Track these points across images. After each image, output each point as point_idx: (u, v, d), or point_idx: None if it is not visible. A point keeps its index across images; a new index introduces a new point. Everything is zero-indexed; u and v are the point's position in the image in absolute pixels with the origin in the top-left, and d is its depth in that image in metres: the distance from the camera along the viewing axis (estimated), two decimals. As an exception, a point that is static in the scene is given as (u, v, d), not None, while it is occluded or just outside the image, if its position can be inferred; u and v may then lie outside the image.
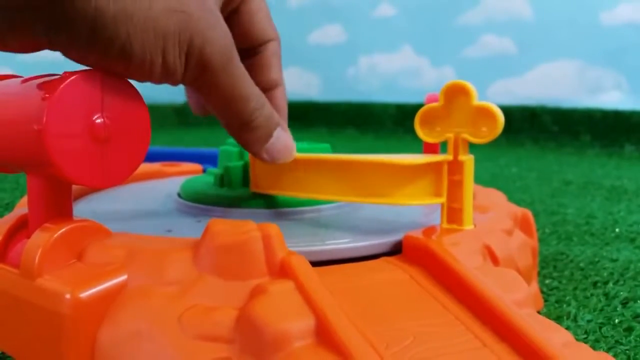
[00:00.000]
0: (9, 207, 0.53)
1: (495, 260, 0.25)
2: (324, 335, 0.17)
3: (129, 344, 0.19)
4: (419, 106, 0.27)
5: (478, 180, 0.33)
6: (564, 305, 0.31)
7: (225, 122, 0.25)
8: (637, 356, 0.25)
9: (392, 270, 0.23)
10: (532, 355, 0.17)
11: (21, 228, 0.23)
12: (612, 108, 1.22)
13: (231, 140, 0.34)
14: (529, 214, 0.33)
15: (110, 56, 0.20)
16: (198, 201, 0.31)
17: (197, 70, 0.22)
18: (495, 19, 1.48)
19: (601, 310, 0.30)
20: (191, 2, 0.21)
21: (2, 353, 0.22)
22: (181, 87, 0.26)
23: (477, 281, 0.20)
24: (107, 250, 0.21)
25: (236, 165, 0.32)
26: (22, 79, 0.22)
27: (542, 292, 0.33)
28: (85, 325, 0.19)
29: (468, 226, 0.26)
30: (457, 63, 1.54)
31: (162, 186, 0.39)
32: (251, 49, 0.28)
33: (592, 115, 1.24)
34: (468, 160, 0.25)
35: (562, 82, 1.38)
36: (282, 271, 0.20)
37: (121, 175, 0.21)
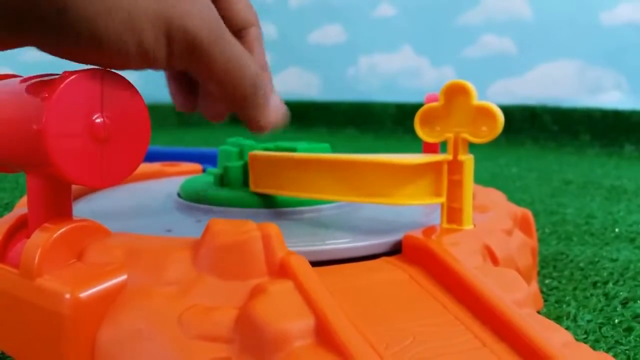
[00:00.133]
0: (8, 207, 0.53)
1: (495, 260, 0.25)
2: (323, 335, 0.17)
3: (128, 343, 0.19)
4: (418, 106, 0.27)
5: (478, 180, 0.33)
6: (564, 305, 0.31)
7: (226, 99, 0.24)
8: (637, 356, 0.25)
9: (391, 270, 0.23)
10: (532, 355, 0.17)
11: (21, 228, 0.23)
12: (611, 108, 1.22)
13: (231, 140, 0.35)
14: (529, 213, 0.33)
15: (80, 43, 0.19)
16: (198, 201, 0.31)
17: (185, 51, 0.21)
18: (495, 19, 1.48)
19: (601, 310, 0.30)
20: None
21: (2, 353, 0.22)
22: None
23: (477, 281, 0.20)
24: (106, 250, 0.21)
25: (236, 165, 0.32)
26: (22, 78, 0.22)
27: (541, 292, 0.33)
28: (85, 325, 0.19)
29: (468, 226, 0.26)
30: (457, 63, 1.54)
31: (162, 186, 0.39)
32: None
33: (592, 115, 1.24)
34: (468, 160, 0.25)
35: (562, 82, 1.38)
36: (281, 271, 0.20)
37: (121, 175, 0.21)
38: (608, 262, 0.38)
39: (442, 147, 0.29)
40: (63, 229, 0.21)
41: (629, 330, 0.28)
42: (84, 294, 0.19)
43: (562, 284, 0.35)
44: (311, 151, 0.31)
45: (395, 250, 0.25)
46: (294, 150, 0.31)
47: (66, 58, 0.20)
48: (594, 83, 1.35)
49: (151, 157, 0.42)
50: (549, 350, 0.17)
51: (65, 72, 0.20)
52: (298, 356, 0.17)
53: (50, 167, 0.19)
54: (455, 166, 0.25)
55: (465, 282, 0.21)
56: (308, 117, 1.65)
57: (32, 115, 0.19)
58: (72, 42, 0.19)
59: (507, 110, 0.26)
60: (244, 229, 0.21)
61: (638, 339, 0.27)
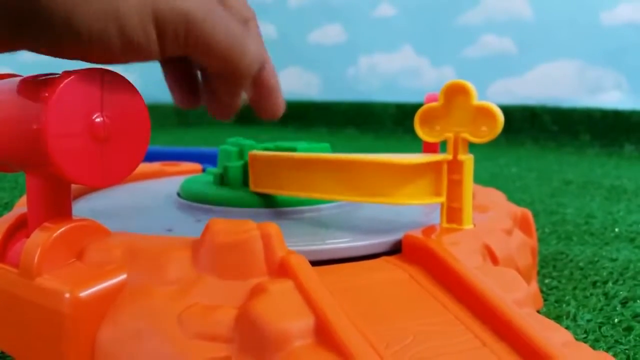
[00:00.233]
0: (8, 206, 0.53)
1: (494, 259, 0.25)
2: (323, 334, 0.17)
3: (128, 343, 0.19)
4: (418, 106, 0.27)
5: (477, 180, 0.33)
6: (564, 305, 0.31)
7: (230, 80, 0.23)
8: (637, 355, 0.25)
9: (391, 270, 0.23)
10: (532, 354, 0.17)
11: (20, 227, 0.23)
12: (611, 108, 1.23)
13: (231, 139, 0.34)
14: (529, 213, 0.33)
15: (59, 35, 0.18)
16: (198, 200, 0.31)
17: (179, 33, 0.20)
18: (495, 19, 1.48)
19: (601, 309, 0.30)
20: None
21: (2, 353, 0.22)
22: None
23: (476, 280, 0.20)
24: (106, 249, 0.21)
25: (235, 164, 0.32)
26: (22, 78, 0.22)
27: (541, 291, 0.33)
28: (85, 324, 0.19)
29: (468, 226, 0.26)
30: (457, 63, 1.54)
31: (162, 186, 0.39)
32: None
33: (591, 115, 1.24)
34: (467, 159, 0.25)
35: (562, 82, 1.38)
36: (281, 270, 0.20)
37: (120, 175, 0.21)
38: (608, 262, 0.38)
39: (442, 147, 0.29)
40: (63, 229, 0.21)
41: (629, 329, 0.28)
42: (83, 294, 0.19)
43: (561, 283, 0.35)
44: (311, 151, 0.31)
45: (395, 249, 0.25)
46: (293, 150, 0.31)
47: (48, 54, 0.19)
48: (594, 83, 1.35)
49: (151, 157, 0.42)
50: (549, 349, 0.17)
51: (65, 71, 0.20)
52: (298, 356, 0.17)
53: (50, 166, 0.19)
54: (455, 166, 0.25)
55: (465, 281, 0.21)
56: (308, 117, 1.65)
57: (32, 115, 0.19)
58: (50, 35, 0.18)
59: (507, 110, 0.26)
60: (244, 228, 0.21)
61: (638, 338, 0.27)
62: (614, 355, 0.25)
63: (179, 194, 0.34)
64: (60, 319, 0.19)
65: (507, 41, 1.46)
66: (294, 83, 1.81)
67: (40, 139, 0.19)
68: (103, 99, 0.20)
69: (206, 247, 0.20)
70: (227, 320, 0.18)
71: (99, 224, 0.22)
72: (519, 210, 0.33)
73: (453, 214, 0.26)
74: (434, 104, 0.26)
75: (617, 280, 0.35)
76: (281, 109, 0.27)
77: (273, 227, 0.21)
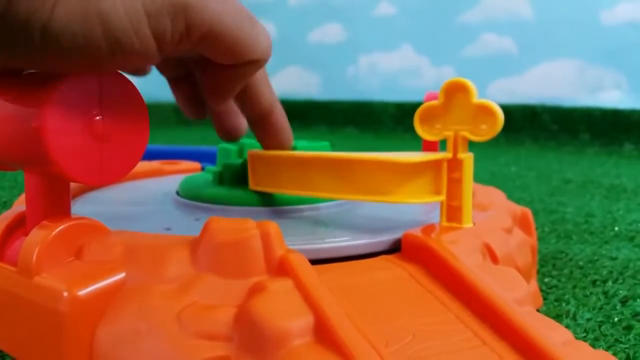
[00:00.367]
0: (7, 205, 0.53)
1: (494, 258, 0.25)
2: (323, 333, 0.17)
3: (127, 341, 0.19)
4: (418, 105, 0.27)
5: (477, 178, 0.33)
6: (563, 304, 0.31)
7: (237, 66, 0.22)
8: (637, 354, 0.25)
9: (391, 269, 0.23)
10: (531, 353, 0.17)
11: (19, 225, 0.23)
12: (611, 107, 1.23)
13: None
14: (529, 212, 0.33)
15: (40, 46, 0.16)
16: (197, 199, 0.31)
17: (181, 27, 0.18)
18: (495, 18, 1.48)
19: (600, 308, 0.30)
20: None
21: (1, 352, 0.22)
22: None
23: (476, 279, 0.20)
24: (105, 248, 0.21)
25: (235, 163, 0.32)
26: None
27: (541, 290, 0.33)
28: (84, 323, 0.19)
29: (467, 224, 0.26)
30: (457, 62, 1.54)
31: (161, 184, 0.39)
32: None
33: (591, 114, 1.24)
34: (467, 158, 0.25)
35: (562, 81, 1.38)
36: (281, 269, 0.20)
37: (119, 173, 0.21)
38: (607, 261, 0.38)
39: (442, 145, 0.29)
40: (61, 227, 0.21)
41: (629, 328, 0.28)
42: (82, 292, 0.19)
43: (561, 282, 0.35)
44: (311, 150, 0.31)
45: (394, 248, 0.25)
46: (293, 148, 0.30)
47: (31, 68, 0.18)
48: (593, 82, 1.35)
49: (150, 155, 0.42)
50: (549, 348, 0.17)
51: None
52: (297, 354, 0.17)
53: (49, 164, 0.19)
54: (454, 164, 0.25)
55: (465, 280, 0.21)
56: (308, 116, 1.65)
57: (31, 113, 0.19)
58: (28, 44, 0.16)
59: (507, 109, 0.26)
60: (243, 227, 0.21)
61: (638, 337, 0.27)
62: (614, 354, 0.25)
63: (177, 193, 0.34)
64: (58, 317, 0.19)
65: (507, 40, 1.46)
66: (294, 82, 1.81)
67: (39, 136, 0.19)
68: (102, 97, 0.20)
69: (205, 245, 0.20)
70: (226, 319, 0.18)
71: (98, 222, 0.22)
72: (519, 209, 0.33)
73: (453, 212, 0.26)
74: (433, 102, 0.26)
75: (616, 279, 0.35)
76: (291, 144, 0.28)
77: (272, 226, 0.21)
